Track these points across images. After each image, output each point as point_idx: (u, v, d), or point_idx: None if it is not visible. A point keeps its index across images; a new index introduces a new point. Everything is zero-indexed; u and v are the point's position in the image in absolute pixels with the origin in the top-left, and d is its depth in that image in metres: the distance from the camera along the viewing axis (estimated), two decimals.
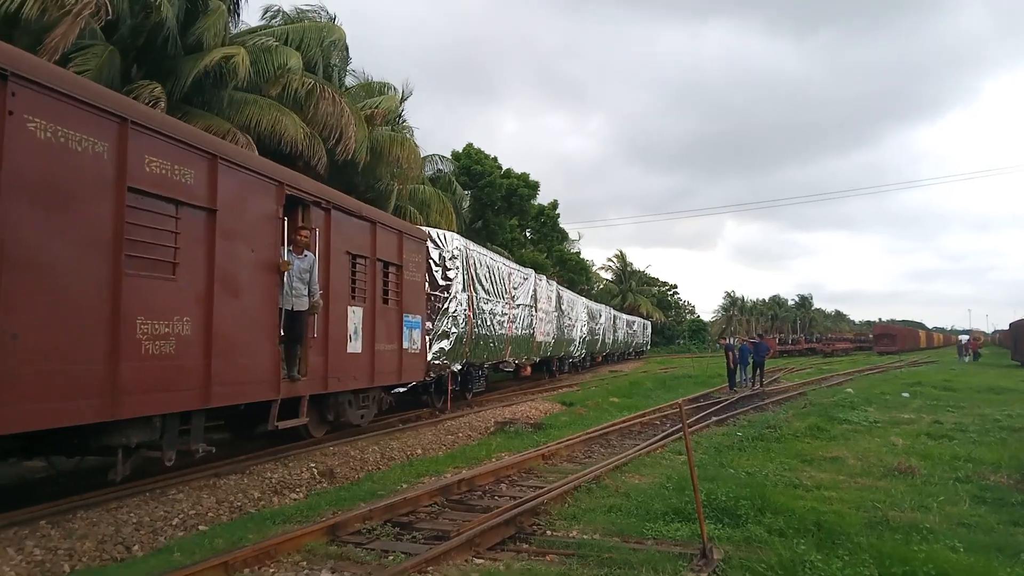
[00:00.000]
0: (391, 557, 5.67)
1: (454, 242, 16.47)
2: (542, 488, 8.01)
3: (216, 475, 8.45)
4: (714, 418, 15.12)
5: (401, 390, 14.00)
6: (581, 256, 56.94)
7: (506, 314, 20.35)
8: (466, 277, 16.86)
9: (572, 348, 31.85)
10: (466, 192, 36.77)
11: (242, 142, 14.57)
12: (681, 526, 6.44)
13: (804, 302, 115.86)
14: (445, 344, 15.47)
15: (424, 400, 16.26)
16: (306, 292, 9.40)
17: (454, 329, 15.85)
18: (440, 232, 16.73)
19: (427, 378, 14.82)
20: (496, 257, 20.59)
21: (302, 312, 9.38)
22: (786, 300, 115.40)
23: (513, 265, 22.58)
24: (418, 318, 13.67)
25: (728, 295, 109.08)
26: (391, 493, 7.94)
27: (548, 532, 6.46)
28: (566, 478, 8.46)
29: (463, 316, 16.50)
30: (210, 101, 16.11)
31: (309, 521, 6.73)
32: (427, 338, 14.60)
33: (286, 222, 9.17)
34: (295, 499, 8.18)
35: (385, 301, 12.20)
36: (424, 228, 16.24)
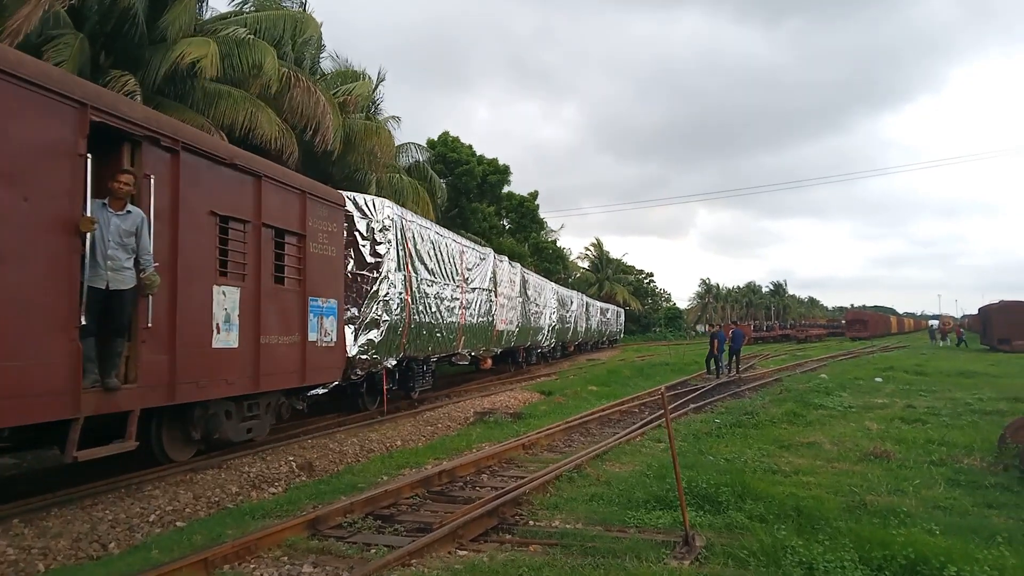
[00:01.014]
0: (373, 550, 5.62)
1: (386, 210, 13.37)
2: (523, 478, 8.01)
3: (193, 470, 8.33)
4: (692, 405, 15.23)
5: (320, 391, 11.57)
6: (558, 244, 57.04)
7: (457, 299, 17.53)
8: (402, 254, 14.06)
9: (540, 337, 29.56)
10: (442, 180, 36.55)
11: (216, 137, 14.31)
12: (663, 514, 6.47)
13: (778, 289, 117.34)
14: (375, 335, 12.91)
15: (356, 403, 14.24)
16: (130, 264, 6.79)
17: (386, 317, 13.14)
18: (368, 198, 13.57)
19: (353, 376, 12.78)
20: (444, 232, 17.41)
21: (124, 292, 6.76)
22: (760, 287, 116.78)
23: (466, 243, 19.70)
24: (333, 303, 10.88)
25: (703, 282, 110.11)
26: (371, 486, 7.90)
27: (531, 522, 6.46)
28: (547, 468, 8.47)
29: (398, 301, 13.69)
30: (183, 93, 15.80)
31: (289, 516, 6.66)
32: (350, 328, 12.45)
33: (91, 162, 6.40)
34: (274, 493, 8.10)
35: (279, 280, 9.45)
36: (346, 193, 12.94)
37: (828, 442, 10.47)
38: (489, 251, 21.47)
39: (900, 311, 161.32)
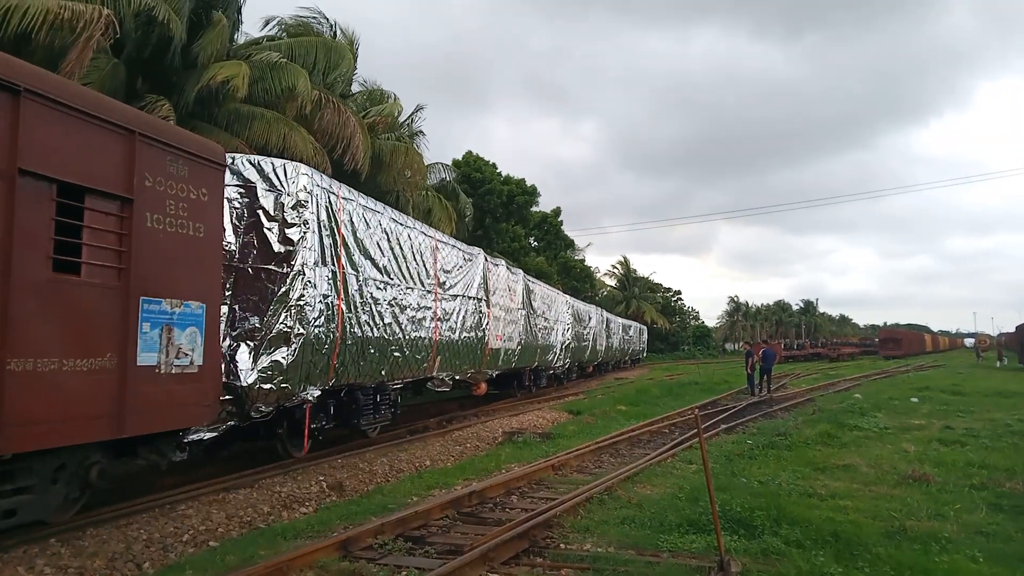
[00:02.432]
0: (404, 573, 5.61)
1: (301, 180, 9.57)
2: (554, 500, 7.94)
3: (225, 489, 8.40)
4: (723, 426, 15.01)
5: (204, 437, 8.24)
6: (585, 263, 56.97)
7: (428, 308, 13.58)
8: (330, 242, 10.12)
9: (551, 357, 25.69)
10: (468, 199, 36.80)
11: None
12: (696, 538, 6.37)
13: (808, 307, 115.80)
14: (283, 355, 9.06)
15: (275, 448, 10.56)
16: None
17: (300, 329, 9.23)
18: (277, 162, 9.71)
19: (255, 414, 8.98)
20: (407, 220, 13.32)
21: None
22: (790, 305, 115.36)
23: (444, 237, 15.58)
24: (199, 308, 7.22)
25: (732, 300, 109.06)
26: (402, 507, 7.89)
27: (562, 545, 6.40)
28: (577, 489, 8.40)
29: (321, 307, 9.72)
30: (217, 115, 16.12)
31: (320, 536, 6.68)
32: (246, 346, 9.04)
33: None
34: (305, 513, 8.12)
35: (68, 268, 5.87)
36: (240, 156, 9.97)
37: (865, 464, 10.28)
38: (478, 251, 17.30)
39: (934, 329, 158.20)
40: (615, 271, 76.87)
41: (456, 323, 15.24)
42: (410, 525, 6.97)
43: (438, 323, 14.14)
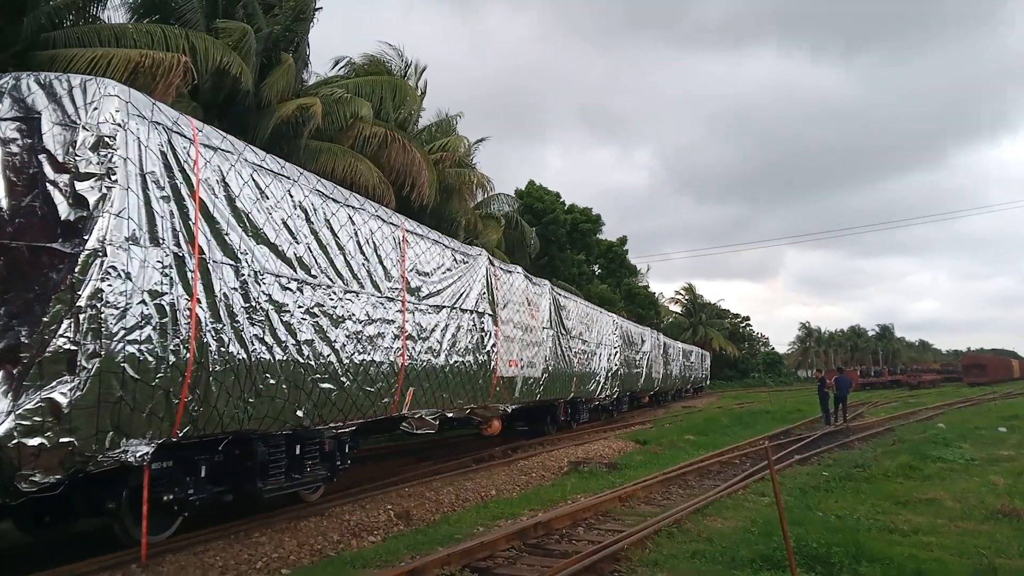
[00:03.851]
0: None
1: (108, 105, 6.05)
2: (621, 532, 7.82)
3: (296, 517, 8.58)
4: (797, 456, 14.56)
5: None
6: (649, 290, 56.47)
7: (389, 321, 9.94)
8: (168, 210, 6.51)
9: (592, 386, 21.56)
10: (532, 229, 37.07)
11: None
12: (770, 574, 6.18)
13: (885, 332, 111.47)
14: (64, 390, 5.52)
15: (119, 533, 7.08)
16: None
17: (96, 347, 5.65)
18: (73, 79, 6.16)
19: (25, 487, 5.46)
20: (347, 197, 9.63)
21: None
22: (865, 330, 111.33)
23: (419, 227, 11.65)
24: None
25: (803, 326, 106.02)
26: (468, 537, 7.88)
27: None
28: (645, 521, 8.26)
29: (145, 311, 6.08)
30: (289, 151, 16.75)
31: (388, 566, 6.72)
32: None
33: None
34: (373, 542, 8.20)
35: None
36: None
37: (950, 498, 9.79)
38: (478, 251, 13.73)
39: (1022, 354, 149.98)
40: (680, 297, 75.85)
41: (440, 343, 11.36)
42: (476, 556, 6.97)
43: (408, 342, 10.27)
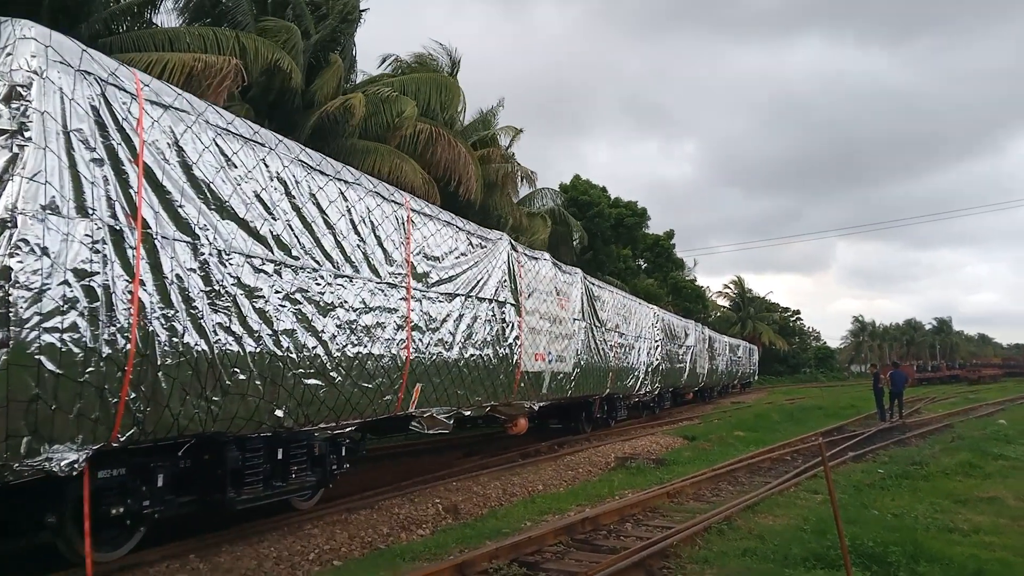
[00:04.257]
0: None
1: (24, 49, 5.08)
2: (670, 528, 7.76)
3: (348, 510, 8.72)
4: (851, 453, 14.23)
5: None
6: (696, 283, 55.81)
7: (392, 310, 8.91)
8: (102, 175, 5.48)
9: (631, 382, 20.39)
10: (577, 223, 36.95)
11: None
12: (824, 573, 6.07)
13: (942, 326, 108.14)
14: None
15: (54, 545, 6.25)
16: None
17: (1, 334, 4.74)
18: None
19: None
20: (337, 169, 8.48)
21: None
22: (921, 324, 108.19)
23: (428, 206, 10.74)
24: None
25: (856, 320, 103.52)
26: (515, 531, 7.91)
27: None
28: (694, 518, 8.18)
29: (69, 293, 5.11)
30: (336, 149, 17.01)
31: (437, 559, 6.79)
32: None
33: None
34: (422, 535, 8.29)
35: None
36: None
37: (1012, 497, 9.48)
38: (499, 235, 12.47)
39: None
40: (728, 291, 74.70)
41: (453, 335, 10.29)
42: (524, 550, 6.98)
43: (414, 334, 9.25)
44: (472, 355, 10.80)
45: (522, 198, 28.94)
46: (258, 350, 6.65)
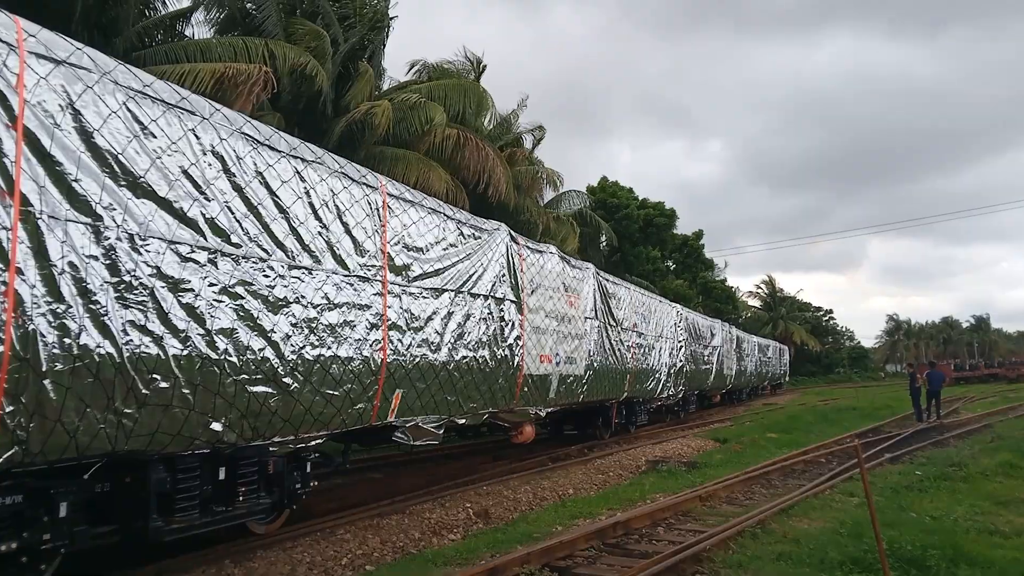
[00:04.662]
0: None
1: None
2: (703, 532, 7.69)
3: (379, 515, 8.77)
4: (887, 455, 14.00)
5: None
6: (726, 284, 55.28)
7: (364, 307, 7.94)
8: None
9: (652, 384, 19.01)
10: (606, 224, 36.84)
11: None
12: None
13: (980, 323, 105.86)
14: None
15: None
16: None
17: None
18: None
19: None
20: (293, 144, 7.37)
21: None
22: (958, 322, 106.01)
23: (408, 191, 9.47)
24: None
25: (891, 318, 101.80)
26: (546, 536, 7.90)
27: None
28: (728, 522, 8.10)
29: None
30: (362, 157, 17.19)
31: (468, 564, 6.80)
32: None
33: None
34: (453, 540, 8.30)
35: None
36: None
37: None
38: (495, 225, 11.23)
39: None
40: (759, 291, 73.87)
41: (440, 335, 9.12)
42: (556, 555, 6.97)
43: (392, 334, 8.17)
44: (464, 357, 9.65)
45: (549, 201, 28.95)
46: (185, 353, 5.57)
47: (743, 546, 7.22)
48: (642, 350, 18.18)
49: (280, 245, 6.69)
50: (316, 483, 8.06)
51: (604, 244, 34.40)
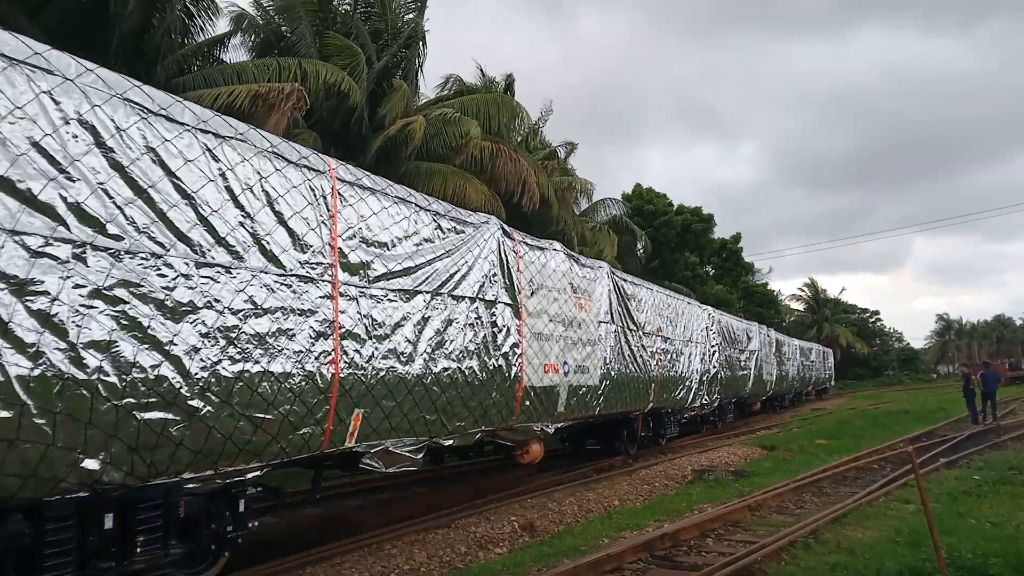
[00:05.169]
0: None
1: None
2: (753, 543, 7.54)
3: (425, 529, 8.78)
4: (942, 460, 13.59)
5: None
6: (768, 287, 54.46)
7: (307, 313, 6.50)
8: None
9: (681, 393, 17.56)
10: (642, 232, 36.59)
11: None
12: None
13: None
14: None
15: None
16: None
17: None
18: None
19: None
20: (201, 116, 5.87)
21: None
22: (1012, 319, 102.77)
23: (369, 177, 7.89)
24: None
25: (940, 318, 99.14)
26: (593, 548, 7.82)
27: None
28: (779, 532, 7.93)
29: None
30: (398, 172, 17.36)
31: None
32: None
33: None
34: (499, 554, 8.26)
35: None
36: None
37: None
38: (484, 218, 9.90)
39: None
40: (802, 294, 72.60)
41: (413, 343, 7.78)
42: (603, 568, 6.89)
43: (347, 343, 6.83)
44: (446, 369, 8.28)
45: (584, 210, 28.90)
46: (36, 373, 4.43)
47: (796, 557, 7.06)
48: (668, 356, 16.76)
49: (183, 238, 5.37)
50: (256, 523, 6.70)
51: (641, 251, 34.15)
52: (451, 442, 8.78)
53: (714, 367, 20.33)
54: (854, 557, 6.82)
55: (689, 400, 18.15)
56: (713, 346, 20.50)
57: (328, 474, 8.93)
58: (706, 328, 20.13)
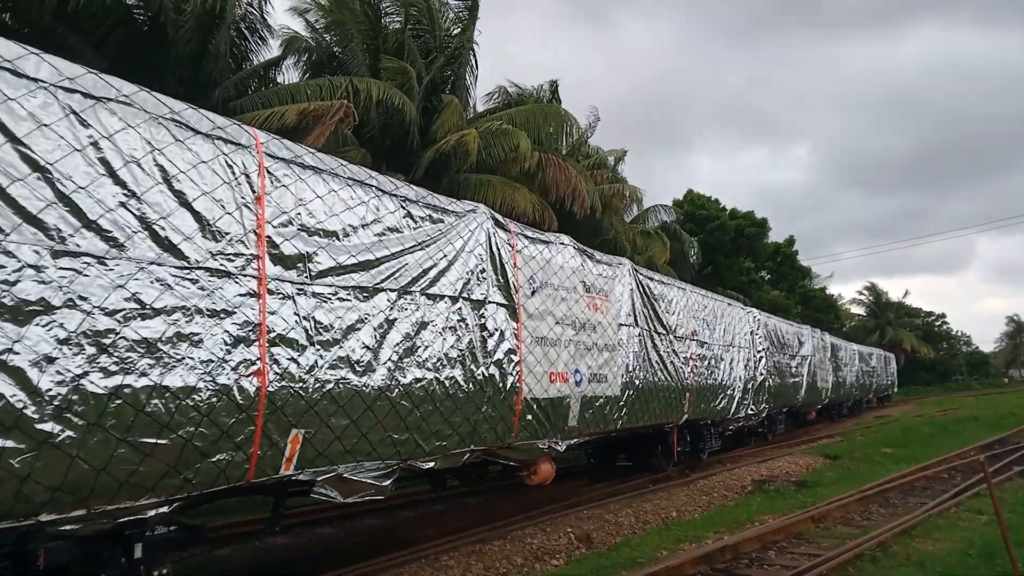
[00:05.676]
0: None
1: None
2: (818, 556, 7.33)
3: (481, 541, 8.79)
4: (1016, 468, 13.03)
5: None
6: (827, 292, 53.19)
7: (224, 312, 5.24)
8: None
9: (723, 403, 15.84)
10: (693, 238, 36.14)
11: None
12: None
13: None
14: None
15: None
16: None
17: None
18: None
19: None
20: (65, 74, 4.53)
21: None
22: None
23: (341, 168, 6.76)
24: None
25: (1011, 320, 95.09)
26: (651, 561, 7.71)
27: None
28: (844, 544, 7.70)
29: None
30: (447, 185, 17.54)
31: None
32: None
33: None
34: (556, 565, 8.22)
35: None
36: None
37: None
38: (470, 206, 8.55)
39: None
40: (862, 298, 70.63)
41: (374, 350, 6.52)
42: None
43: (277, 351, 5.59)
44: (419, 380, 6.92)
45: (634, 217, 28.72)
46: None
47: (862, 570, 6.85)
48: (706, 362, 15.05)
49: (33, 220, 4.20)
50: (166, 571, 5.25)
51: (693, 258, 33.74)
52: (432, 465, 7.41)
53: (761, 374, 18.62)
54: (924, 570, 6.59)
55: (732, 410, 16.40)
56: (759, 351, 18.80)
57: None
58: (750, 332, 18.47)
